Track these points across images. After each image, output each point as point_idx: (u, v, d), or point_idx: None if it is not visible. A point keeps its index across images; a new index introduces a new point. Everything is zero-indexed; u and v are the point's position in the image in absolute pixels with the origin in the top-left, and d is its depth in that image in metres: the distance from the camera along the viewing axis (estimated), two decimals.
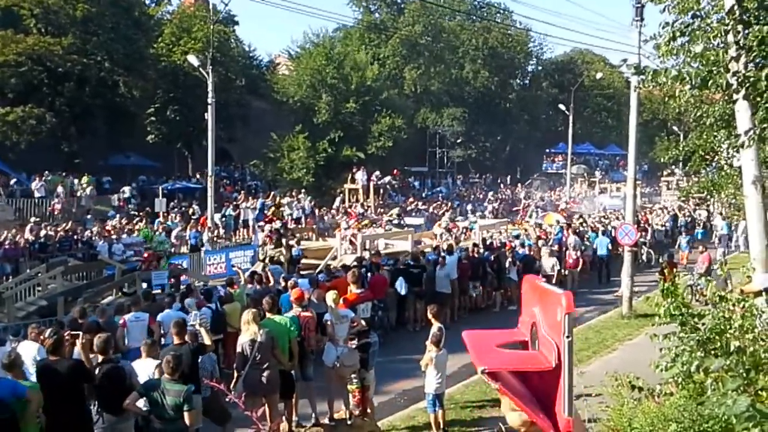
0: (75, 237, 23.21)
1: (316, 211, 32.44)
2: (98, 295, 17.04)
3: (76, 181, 29.99)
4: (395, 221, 28.68)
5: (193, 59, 27.74)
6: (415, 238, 22.37)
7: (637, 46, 17.88)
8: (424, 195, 43.50)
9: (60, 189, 28.23)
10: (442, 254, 17.99)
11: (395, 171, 40.90)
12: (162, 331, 11.33)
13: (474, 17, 53.37)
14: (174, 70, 36.64)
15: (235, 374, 8.62)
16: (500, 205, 41.88)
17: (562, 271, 20.71)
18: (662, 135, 25.73)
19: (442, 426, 10.02)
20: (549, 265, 19.82)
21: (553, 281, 18.49)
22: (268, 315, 9.18)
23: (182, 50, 35.11)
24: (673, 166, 45.11)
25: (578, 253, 21.71)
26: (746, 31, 7.29)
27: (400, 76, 50.24)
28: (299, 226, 28.53)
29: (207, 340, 8.83)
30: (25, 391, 6.75)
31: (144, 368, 8.01)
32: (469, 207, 39.62)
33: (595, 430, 5.58)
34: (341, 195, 36.88)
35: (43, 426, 7.07)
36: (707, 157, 14.42)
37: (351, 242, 21.37)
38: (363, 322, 9.69)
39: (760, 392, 4.27)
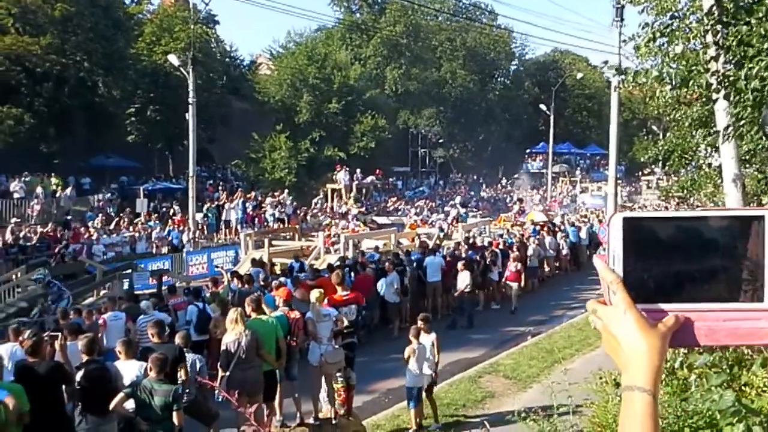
0: (55, 238, 22.99)
1: (299, 211, 32.36)
2: (79, 297, 16.88)
3: (54, 182, 29.68)
4: (360, 218, 28.63)
5: (173, 59, 27.56)
6: (398, 238, 22.39)
7: (617, 47, 18.08)
8: (406, 195, 43.56)
9: (39, 190, 27.92)
10: (387, 262, 17.22)
11: (378, 171, 40.90)
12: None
13: (457, 17, 53.53)
14: (154, 70, 36.35)
15: (220, 374, 8.57)
16: (483, 204, 42.09)
17: (489, 288, 19.57)
18: (642, 134, 25.80)
19: (434, 417, 10.21)
20: (462, 280, 17.11)
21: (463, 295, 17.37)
22: (253, 315, 9.14)
23: (163, 50, 34.83)
24: (653, 166, 45.54)
25: (563, 248, 22.13)
26: (725, 31, 7.36)
27: (382, 76, 50.25)
28: (282, 227, 28.47)
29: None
30: (3, 396, 6.62)
31: (127, 369, 7.92)
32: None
33: (580, 425, 5.64)
34: (322, 195, 36.74)
35: None
36: (685, 156, 14.55)
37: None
38: (345, 321, 9.70)
39: (743, 388, 4.33)
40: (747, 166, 11.40)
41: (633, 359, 1.05)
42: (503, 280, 19.58)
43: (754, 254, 1.05)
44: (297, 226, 27.58)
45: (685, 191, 16.56)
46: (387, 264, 16.89)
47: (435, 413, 10.43)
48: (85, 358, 7.55)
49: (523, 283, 19.47)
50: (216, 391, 8.93)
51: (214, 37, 41.39)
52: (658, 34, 7.75)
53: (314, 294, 9.50)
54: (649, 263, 1.06)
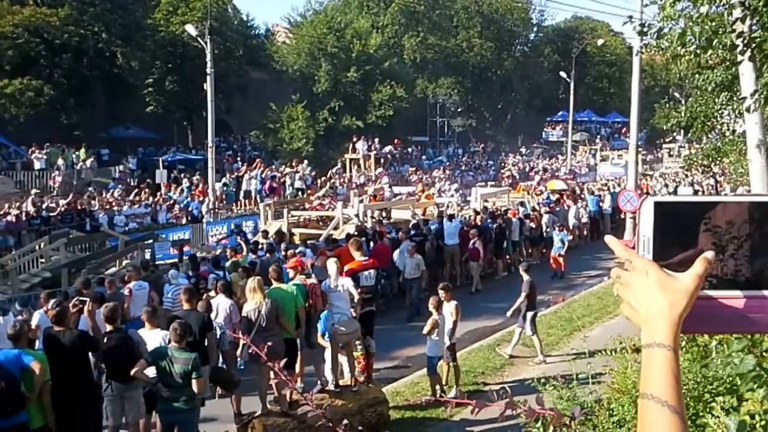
0: (77, 209, 23.18)
1: (317, 181, 32.34)
2: (101, 267, 17.09)
3: (75, 154, 29.88)
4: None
5: (191, 29, 27.47)
6: (416, 207, 22.30)
7: (639, 11, 17.74)
8: (424, 164, 43.38)
9: (60, 161, 28.13)
10: (401, 231, 17.22)
11: (396, 140, 40.69)
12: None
13: None
14: (172, 41, 36.26)
15: (240, 342, 8.63)
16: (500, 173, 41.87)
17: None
18: (663, 101, 24.94)
19: (455, 385, 10.39)
20: (412, 265, 15.61)
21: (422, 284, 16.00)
22: (274, 284, 9.18)
23: (180, 20, 34.68)
24: (675, 133, 44.90)
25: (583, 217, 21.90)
26: None
27: (399, 44, 49.76)
28: (299, 197, 28.50)
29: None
30: (29, 362, 6.75)
31: (151, 337, 8.01)
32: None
33: (600, 392, 5.63)
34: (339, 166, 36.51)
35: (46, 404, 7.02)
36: (708, 123, 14.28)
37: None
38: (356, 295, 9.47)
39: (764, 354, 4.28)
40: None
41: (651, 316, 1.04)
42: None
43: None
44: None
45: (711, 159, 16.27)
46: (401, 233, 16.90)
47: (457, 380, 10.49)
48: (108, 326, 7.64)
49: (482, 261, 17.97)
50: (238, 359, 9.04)
51: (231, 6, 41.15)
52: None
53: (331, 263, 9.50)
54: (680, 249, 1.04)
